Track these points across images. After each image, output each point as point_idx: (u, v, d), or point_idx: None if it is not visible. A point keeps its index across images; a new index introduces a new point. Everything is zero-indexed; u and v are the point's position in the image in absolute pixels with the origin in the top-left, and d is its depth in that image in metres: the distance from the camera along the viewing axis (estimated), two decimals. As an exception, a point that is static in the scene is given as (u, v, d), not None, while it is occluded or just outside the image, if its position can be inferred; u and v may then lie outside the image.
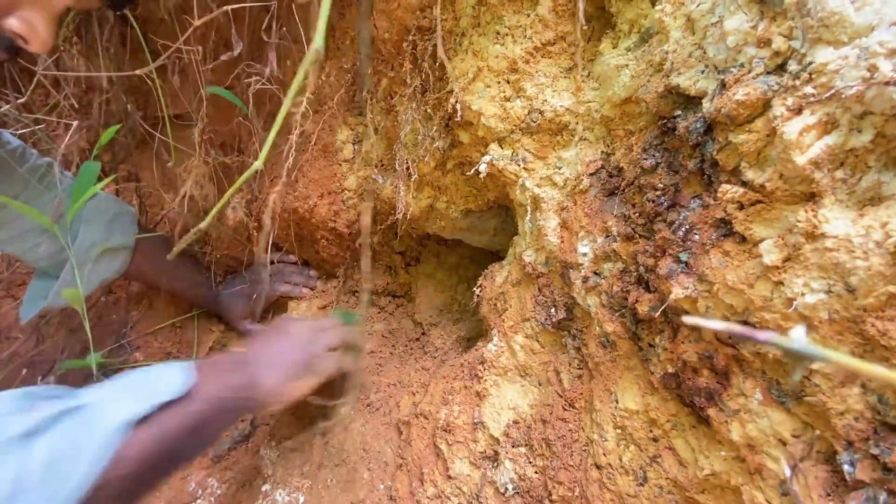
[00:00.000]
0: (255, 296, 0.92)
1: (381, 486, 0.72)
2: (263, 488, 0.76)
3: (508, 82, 0.56)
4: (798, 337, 0.14)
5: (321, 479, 0.75)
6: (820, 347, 0.13)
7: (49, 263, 0.74)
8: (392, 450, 0.76)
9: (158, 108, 0.81)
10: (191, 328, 1.00)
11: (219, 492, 0.77)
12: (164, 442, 0.51)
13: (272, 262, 0.95)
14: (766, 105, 0.33)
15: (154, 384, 0.53)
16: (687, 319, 0.17)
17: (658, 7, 0.42)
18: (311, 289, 0.94)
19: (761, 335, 0.13)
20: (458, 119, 0.59)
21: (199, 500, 0.76)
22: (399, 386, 0.82)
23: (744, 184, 0.35)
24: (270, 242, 0.95)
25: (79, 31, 0.85)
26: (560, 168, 0.56)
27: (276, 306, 0.99)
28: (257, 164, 0.40)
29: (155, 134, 0.85)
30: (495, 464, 0.62)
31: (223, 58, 0.61)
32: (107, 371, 0.94)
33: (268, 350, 0.66)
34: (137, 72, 0.65)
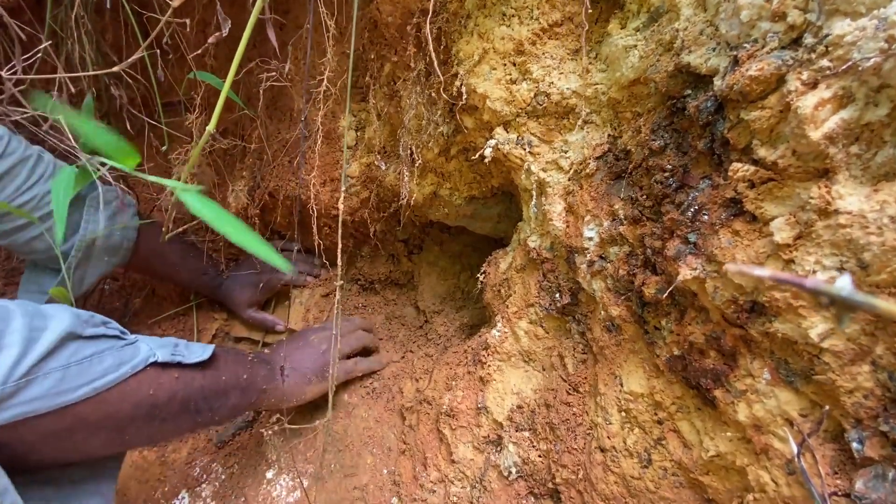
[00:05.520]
0: (258, 283, 0.92)
1: (385, 471, 0.73)
2: (268, 474, 0.77)
3: (514, 64, 0.55)
4: (844, 285, 0.14)
5: (325, 464, 0.75)
6: (867, 295, 0.13)
7: (46, 257, 0.73)
8: (395, 435, 0.76)
9: (159, 95, 0.80)
10: (192, 315, 1.00)
11: (223, 477, 0.77)
12: (184, 388, 0.56)
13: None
14: (781, 80, 0.32)
15: (186, 348, 0.58)
16: (729, 267, 0.17)
17: (668, -16, 0.41)
18: (315, 276, 0.94)
19: (808, 282, 0.13)
20: (463, 102, 0.59)
21: (203, 485, 0.76)
22: (402, 372, 0.83)
23: (755, 162, 0.35)
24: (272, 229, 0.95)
25: (75, 16, 0.84)
26: (566, 152, 0.55)
27: (279, 294, 0.99)
28: (210, 128, 0.40)
29: (160, 120, 0.84)
30: (499, 448, 0.62)
31: (211, 40, 0.60)
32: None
33: (289, 355, 0.74)
34: (131, 58, 0.64)
